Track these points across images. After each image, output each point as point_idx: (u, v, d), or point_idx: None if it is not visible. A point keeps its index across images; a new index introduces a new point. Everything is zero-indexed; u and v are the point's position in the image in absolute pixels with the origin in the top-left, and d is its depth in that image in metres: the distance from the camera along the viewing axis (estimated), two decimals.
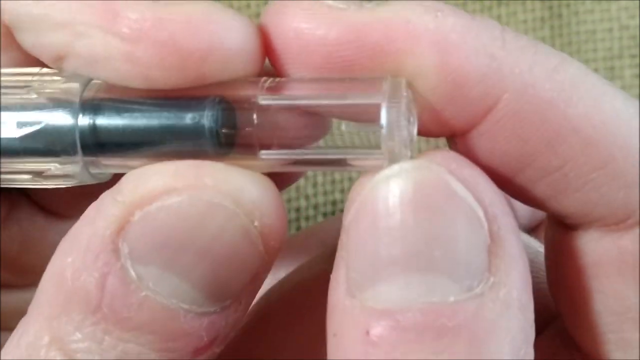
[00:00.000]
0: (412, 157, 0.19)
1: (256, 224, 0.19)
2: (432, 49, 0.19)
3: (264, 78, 0.20)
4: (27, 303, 0.20)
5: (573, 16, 0.44)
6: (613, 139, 0.19)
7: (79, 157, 0.20)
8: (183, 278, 0.18)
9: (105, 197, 0.19)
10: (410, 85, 0.19)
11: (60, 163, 0.20)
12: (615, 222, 0.20)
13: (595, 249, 0.21)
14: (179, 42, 0.19)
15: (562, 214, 0.21)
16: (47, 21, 0.20)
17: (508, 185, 0.20)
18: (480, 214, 0.18)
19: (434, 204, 0.18)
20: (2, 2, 0.21)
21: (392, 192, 0.18)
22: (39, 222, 0.26)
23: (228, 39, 0.19)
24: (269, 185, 0.19)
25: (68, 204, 0.26)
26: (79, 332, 0.18)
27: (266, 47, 0.20)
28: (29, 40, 0.21)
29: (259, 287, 0.20)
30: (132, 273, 0.18)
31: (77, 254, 0.18)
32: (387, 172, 0.18)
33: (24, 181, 0.21)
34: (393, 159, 0.18)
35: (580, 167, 0.19)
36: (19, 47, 0.22)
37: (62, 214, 0.27)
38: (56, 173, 0.20)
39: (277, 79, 0.20)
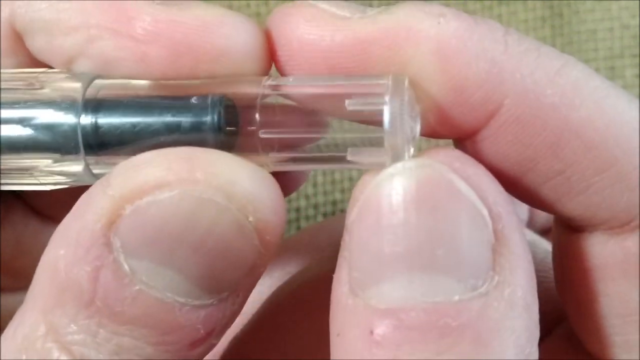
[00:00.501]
0: (414, 154, 0.19)
1: (250, 218, 0.18)
2: (433, 56, 0.19)
3: (267, 77, 0.20)
4: None
5: (574, 15, 0.44)
6: (615, 142, 0.19)
7: (81, 156, 0.20)
8: (177, 272, 0.18)
9: (96, 189, 0.19)
10: (413, 84, 0.19)
11: (62, 161, 0.20)
12: (619, 225, 0.20)
13: (601, 251, 0.21)
14: (193, 43, 0.20)
15: (567, 217, 0.21)
16: (59, 25, 0.21)
17: (513, 187, 0.20)
18: (484, 212, 0.18)
19: (438, 202, 0.18)
20: (15, 8, 0.21)
21: (395, 190, 0.18)
22: (32, 225, 0.26)
23: (240, 41, 0.20)
24: (265, 178, 0.19)
25: (62, 208, 0.26)
26: (73, 324, 0.18)
27: (271, 52, 0.20)
28: (39, 44, 0.21)
29: (258, 279, 0.19)
30: (125, 267, 0.18)
31: (68, 247, 0.18)
32: (390, 170, 0.18)
33: (24, 179, 0.21)
34: (395, 155, 0.18)
35: (582, 171, 0.19)
36: (27, 52, 0.22)
37: (56, 218, 0.27)
38: (57, 171, 0.20)
39: (280, 77, 0.20)
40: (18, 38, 0.22)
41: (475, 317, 0.17)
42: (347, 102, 0.19)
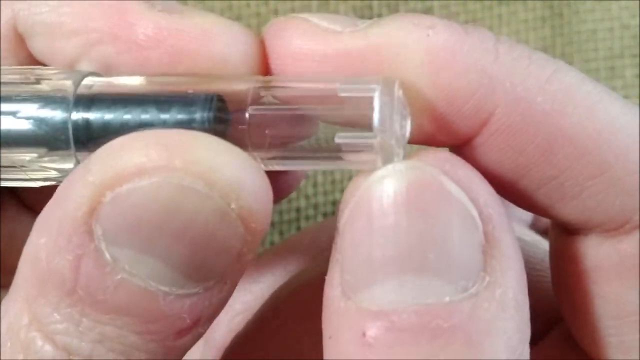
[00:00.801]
0: (404, 154, 0.19)
1: (233, 206, 0.18)
2: (423, 69, 0.19)
3: (257, 76, 0.20)
4: None
5: (574, 15, 0.44)
6: (608, 147, 0.19)
7: (72, 151, 0.20)
8: (160, 260, 0.18)
9: (76, 176, 0.18)
10: (407, 89, 0.19)
11: (53, 157, 0.20)
12: (613, 228, 0.20)
13: (596, 253, 0.21)
14: (193, 51, 0.20)
15: (563, 221, 0.21)
16: (61, 28, 0.21)
17: (509, 193, 0.21)
18: (475, 214, 0.18)
19: (428, 205, 0.18)
20: (17, 9, 0.22)
21: (386, 193, 0.18)
22: (25, 221, 0.26)
23: (239, 50, 0.20)
24: (248, 163, 0.18)
25: None
26: (56, 313, 0.18)
27: (267, 63, 0.21)
28: (41, 46, 0.21)
29: (245, 267, 0.19)
30: (107, 255, 0.18)
31: (49, 235, 0.18)
32: (381, 172, 0.18)
33: (15, 175, 0.21)
34: (385, 153, 0.18)
35: (576, 176, 0.20)
36: (28, 53, 0.22)
37: None
38: (48, 167, 0.20)
39: (270, 77, 0.20)
40: (20, 39, 0.22)
41: (467, 318, 0.17)
42: (338, 87, 0.19)
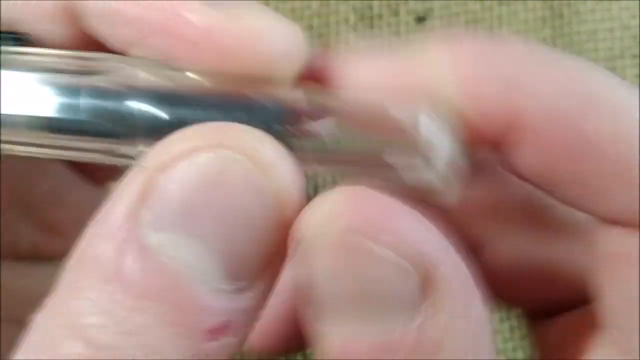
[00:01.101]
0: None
1: (272, 185, 0.19)
2: (452, 83, 0.21)
3: (311, 88, 0.21)
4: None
5: (574, 16, 0.44)
6: (628, 151, 0.20)
7: (135, 141, 0.20)
8: (202, 245, 0.18)
9: (134, 167, 0.19)
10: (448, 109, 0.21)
11: (133, 146, 0.20)
12: (632, 224, 0.21)
13: (618, 246, 0.22)
14: (242, 52, 0.20)
15: (586, 213, 0.22)
16: (115, 17, 0.21)
17: (541, 189, 0.22)
18: (405, 262, 0.19)
19: (358, 268, 0.19)
20: None
21: (322, 256, 0.19)
22: (67, 178, 0.27)
23: (285, 52, 0.21)
24: (286, 153, 0.19)
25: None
26: (94, 305, 0.18)
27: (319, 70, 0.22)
28: (94, 28, 0.22)
29: (276, 275, 0.20)
30: (150, 240, 0.18)
31: (98, 226, 0.19)
32: (320, 228, 0.19)
33: (98, 160, 0.21)
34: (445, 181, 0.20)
35: (597, 178, 0.21)
36: (79, 30, 0.22)
37: (89, 172, 0.28)
38: (129, 154, 0.21)
39: (324, 95, 0.21)
40: (72, 17, 0.22)
41: (416, 345, 0.18)
42: (404, 122, 0.20)
